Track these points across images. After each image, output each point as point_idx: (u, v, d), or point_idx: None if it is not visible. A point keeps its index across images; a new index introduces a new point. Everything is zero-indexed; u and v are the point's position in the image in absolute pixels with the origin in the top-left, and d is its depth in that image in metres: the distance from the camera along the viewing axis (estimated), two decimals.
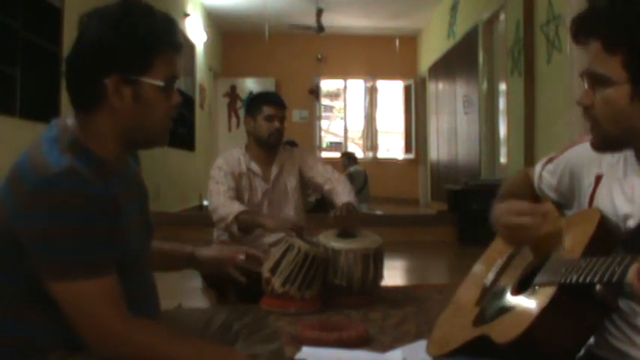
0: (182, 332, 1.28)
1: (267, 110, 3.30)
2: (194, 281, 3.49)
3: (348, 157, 9.26)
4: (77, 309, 1.13)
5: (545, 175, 1.39)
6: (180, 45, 1.25)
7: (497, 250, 1.48)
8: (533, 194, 1.44)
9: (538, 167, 1.43)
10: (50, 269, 1.12)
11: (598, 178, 1.24)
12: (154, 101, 1.20)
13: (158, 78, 1.19)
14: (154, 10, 1.22)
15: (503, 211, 1.31)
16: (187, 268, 1.52)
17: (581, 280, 1.04)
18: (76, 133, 1.19)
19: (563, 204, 1.37)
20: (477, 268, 1.54)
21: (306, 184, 3.43)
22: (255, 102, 3.40)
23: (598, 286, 1.01)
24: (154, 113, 1.21)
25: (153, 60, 1.19)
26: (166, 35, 1.20)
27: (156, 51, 1.19)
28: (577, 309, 1.12)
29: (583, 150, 1.30)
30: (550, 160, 1.40)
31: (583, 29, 1.15)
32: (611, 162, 1.22)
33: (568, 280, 1.08)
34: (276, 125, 3.29)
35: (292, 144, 5.99)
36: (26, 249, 1.12)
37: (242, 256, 1.46)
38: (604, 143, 1.18)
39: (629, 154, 1.19)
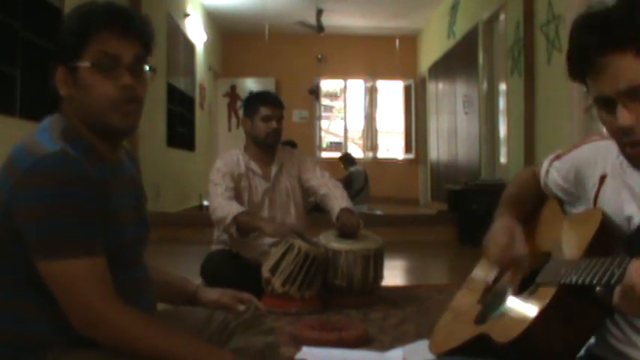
0: (175, 327, 1.28)
1: (264, 111, 3.28)
2: (194, 280, 3.48)
3: (346, 159, 9.25)
4: (64, 288, 1.14)
5: (552, 171, 1.39)
6: (120, 25, 1.24)
7: None
8: (538, 193, 1.44)
9: (545, 163, 1.42)
10: (39, 247, 1.14)
11: (602, 179, 1.24)
12: (90, 82, 1.23)
13: (87, 59, 1.23)
14: (95, 2, 1.27)
15: (492, 234, 1.40)
16: (187, 304, 1.53)
17: (580, 281, 1.04)
18: (66, 122, 1.25)
19: (567, 201, 1.37)
20: (480, 267, 1.54)
21: (301, 187, 3.42)
22: (252, 103, 3.38)
23: (598, 287, 1.00)
24: (92, 93, 1.23)
25: (83, 45, 1.23)
26: (95, 19, 1.23)
27: (85, 36, 1.23)
28: (577, 309, 1.11)
29: (590, 150, 1.30)
30: (557, 157, 1.40)
31: (605, 46, 1.05)
32: (616, 163, 1.22)
33: (568, 281, 1.07)
34: (274, 125, 3.28)
35: (291, 144, 6.00)
36: (21, 230, 1.14)
37: (242, 307, 1.49)
38: None
39: None
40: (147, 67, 1.30)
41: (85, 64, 1.22)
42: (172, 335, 1.21)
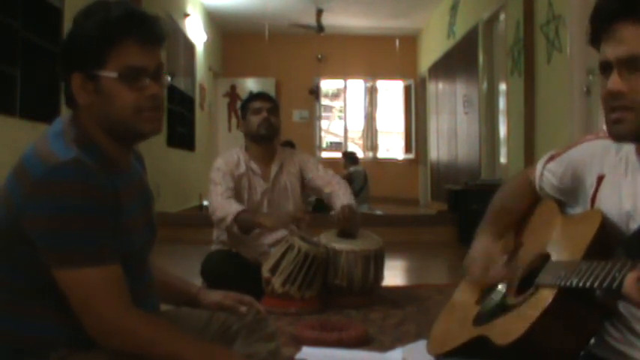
0: (183, 330, 1.29)
1: (253, 105, 3.39)
2: (194, 281, 3.48)
3: (349, 157, 9.25)
4: (81, 297, 1.15)
5: (547, 174, 1.39)
6: (143, 33, 1.23)
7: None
8: (532, 197, 1.44)
9: (539, 166, 1.42)
10: (55, 257, 1.14)
11: (600, 179, 1.24)
12: (114, 93, 1.21)
13: (112, 70, 1.21)
14: (110, 4, 1.23)
15: (471, 255, 1.46)
16: (188, 306, 1.54)
17: (581, 284, 1.04)
18: (79, 127, 1.23)
19: (565, 202, 1.37)
20: None
21: (306, 187, 3.44)
22: (244, 104, 3.50)
23: (598, 291, 1.00)
24: (117, 105, 1.22)
25: (107, 53, 1.20)
26: (117, 28, 1.20)
27: (108, 44, 1.20)
28: (577, 312, 1.11)
29: (586, 149, 1.30)
30: (552, 158, 1.39)
31: (618, 13, 1.10)
32: (613, 162, 1.22)
33: (568, 284, 1.07)
34: (264, 115, 3.33)
35: (290, 145, 6.00)
36: (32, 238, 1.14)
37: (243, 309, 1.49)
38: (638, 132, 1.12)
39: (630, 152, 1.19)
40: (167, 75, 1.29)
41: (110, 74, 1.21)
42: (186, 339, 1.22)
